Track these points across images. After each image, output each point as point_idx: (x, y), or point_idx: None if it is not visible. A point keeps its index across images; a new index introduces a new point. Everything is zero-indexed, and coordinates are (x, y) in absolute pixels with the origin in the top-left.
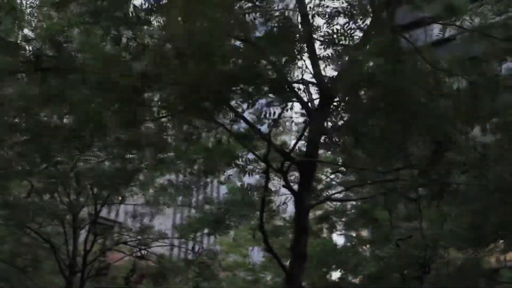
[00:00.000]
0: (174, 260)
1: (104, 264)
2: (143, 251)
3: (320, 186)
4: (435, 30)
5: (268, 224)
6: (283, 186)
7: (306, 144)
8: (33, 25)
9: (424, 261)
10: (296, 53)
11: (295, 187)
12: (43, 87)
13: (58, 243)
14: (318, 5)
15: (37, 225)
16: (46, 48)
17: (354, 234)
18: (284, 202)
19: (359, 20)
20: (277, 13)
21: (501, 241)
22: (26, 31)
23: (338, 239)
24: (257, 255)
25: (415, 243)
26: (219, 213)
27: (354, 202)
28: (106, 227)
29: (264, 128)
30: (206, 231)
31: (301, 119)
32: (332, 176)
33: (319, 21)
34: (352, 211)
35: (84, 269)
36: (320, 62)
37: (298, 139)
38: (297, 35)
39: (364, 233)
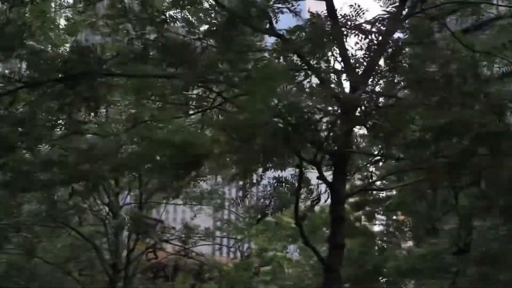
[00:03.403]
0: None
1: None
2: (186, 250)
3: (355, 176)
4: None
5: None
6: (318, 177)
7: (338, 134)
8: (61, 29)
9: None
10: (326, 43)
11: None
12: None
13: (100, 243)
14: None
15: (78, 225)
16: (74, 54)
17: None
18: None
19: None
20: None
21: None
22: (53, 35)
23: (377, 227)
24: (293, 252)
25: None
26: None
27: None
28: (149, 226)
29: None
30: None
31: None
32: (368, 165)
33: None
34: (389, 201)
35: (128, 267)
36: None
37: (331, 129)
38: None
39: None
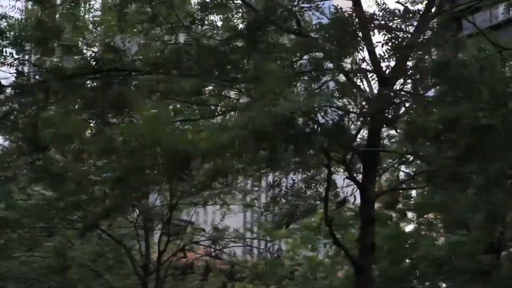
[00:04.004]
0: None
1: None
2: (217, 251)
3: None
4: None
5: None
6: (347, 177)
7: (367, 133)
8: (92, 30)
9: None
10: (352, 42)
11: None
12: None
13: (131, 245)
14: None
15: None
16: (105, 52)
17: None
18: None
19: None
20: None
21: None
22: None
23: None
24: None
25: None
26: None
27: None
28: (180, 227)
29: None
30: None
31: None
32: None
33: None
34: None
35: (159, 269)
36: (377, 49)
37: (360, 128)
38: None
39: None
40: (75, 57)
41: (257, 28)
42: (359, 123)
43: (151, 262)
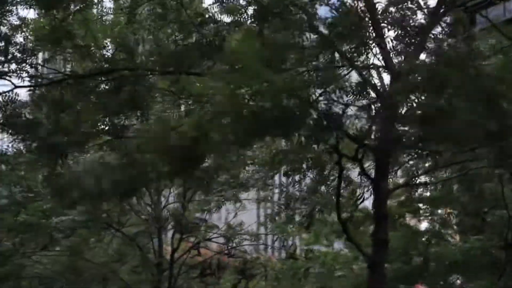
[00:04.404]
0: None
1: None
2: (230, 248)
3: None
4: None
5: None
6: (359, 173)
7: (380, 129)
8: (105, 32)
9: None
10: (364, 38)
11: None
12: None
13: (144, 243)
14: None
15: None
16: (118, 53)
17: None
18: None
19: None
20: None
21: None
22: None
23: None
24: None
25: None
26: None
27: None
28: (193, 225)
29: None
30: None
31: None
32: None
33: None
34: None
35: (172, 266)
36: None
37: (371, 124)
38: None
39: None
40: (89, 59)
41: (260, 21)
42: (370, 117)
43: (165, 259)
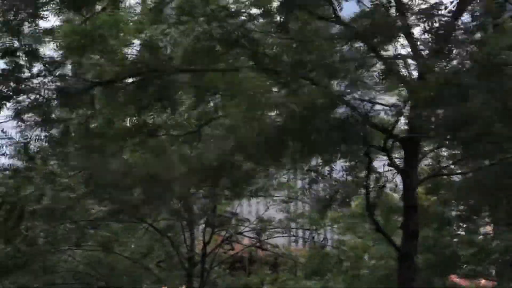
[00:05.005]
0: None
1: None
2: (261, 242)
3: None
4: None
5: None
6: (388, 164)
7: (407, 118)
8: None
9: None
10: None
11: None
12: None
13: (176, 237)
14: None
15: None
16: (144, 52)
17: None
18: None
19: None
20: None
21: None
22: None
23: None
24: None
25: None
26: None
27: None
28: (224, 218)
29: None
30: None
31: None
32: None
33: None
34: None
35: (204, 260)
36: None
37: (400, 114)
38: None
39: None
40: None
41: (285, 12)
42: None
43: (196, 254)
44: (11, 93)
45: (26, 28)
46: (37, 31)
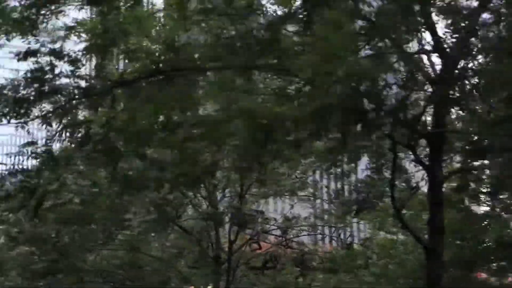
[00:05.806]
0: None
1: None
2: (287, 240)
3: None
4: None
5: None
6: (413, 160)
7: (433, 114)
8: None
9: None
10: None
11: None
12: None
13: (202, 237)
14: None
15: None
16: (166, 52)
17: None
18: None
19: None
20: None
21: None
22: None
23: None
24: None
25: None
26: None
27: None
28: (250, 216)
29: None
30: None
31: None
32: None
33: None
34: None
35: (230, 259)
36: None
37: (424, 110)
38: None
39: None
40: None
41: (310, 9)
42: (423, 103)
43: (223, 252)
44: (35, 98)
45: (48, 25)
46: (60, 27)
